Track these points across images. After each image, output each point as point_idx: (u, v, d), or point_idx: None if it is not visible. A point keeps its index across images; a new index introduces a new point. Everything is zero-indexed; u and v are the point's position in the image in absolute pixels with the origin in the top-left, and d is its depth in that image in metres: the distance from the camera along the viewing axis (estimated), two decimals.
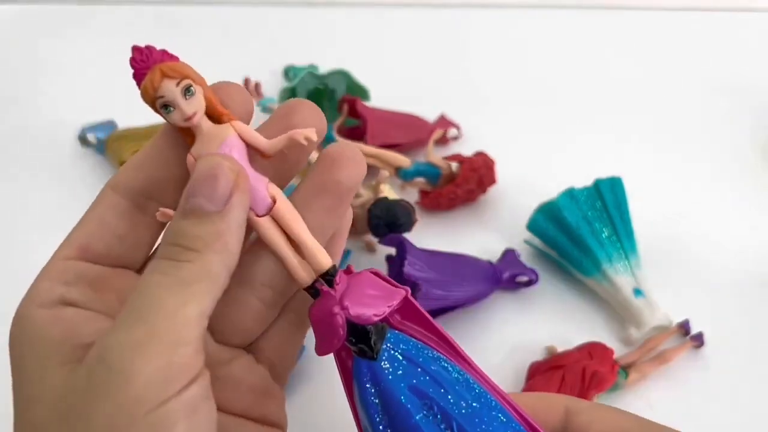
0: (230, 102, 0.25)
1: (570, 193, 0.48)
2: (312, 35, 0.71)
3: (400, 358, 0.24)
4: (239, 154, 0.24)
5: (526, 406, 0.25)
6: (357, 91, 0.60)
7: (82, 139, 0.58)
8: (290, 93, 0.58)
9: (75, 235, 0.26)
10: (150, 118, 0.56)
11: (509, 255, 0.48)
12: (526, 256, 0.49)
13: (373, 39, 0.70)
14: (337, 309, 0.24)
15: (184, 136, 0.25)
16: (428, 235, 0.50)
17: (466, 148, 0.56)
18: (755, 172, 0.57)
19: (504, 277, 0.47)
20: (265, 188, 0.25)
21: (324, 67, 0.62)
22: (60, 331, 0.23)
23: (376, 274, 0.25)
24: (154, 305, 0.21)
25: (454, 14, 0.74)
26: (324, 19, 0.73)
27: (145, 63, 0.24)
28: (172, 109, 0.24)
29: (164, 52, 0.24)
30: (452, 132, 0.59)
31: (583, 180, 0.49)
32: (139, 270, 0.27)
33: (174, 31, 0.71)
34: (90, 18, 0.73)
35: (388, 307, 0.24)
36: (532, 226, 0.49)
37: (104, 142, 0.56)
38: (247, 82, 0.60)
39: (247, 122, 0.25)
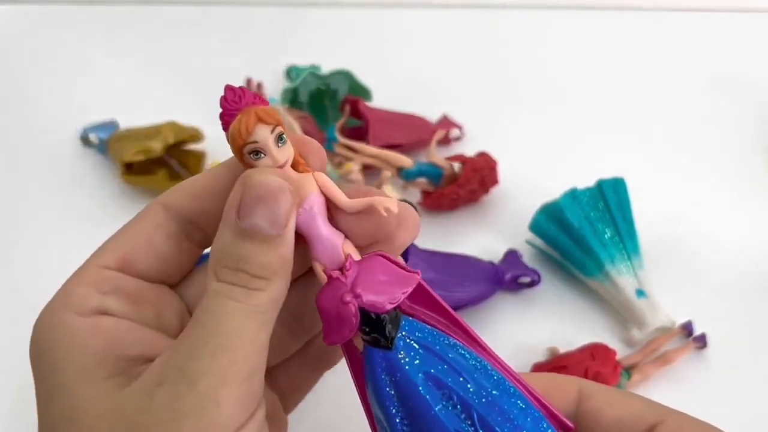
0: (308, 156, 0.25)
1: (572, 194, 0.48)
2: (314, 35, 0.71)
3: (416, 346, 0.23)
4: (319, 208, 0.24)
5: (539, 387, 0.24)
6: (359, 92, 0.60)
7: (84, 139, 0.58)
8: (292, 93, 0.58)
9: (117, 244, 0.25)
10: (151, 118, 0.56)
11: (511, 256, 0.48)
12: (528, 257, 0.49)
13: (375, 39, 0.70)
14: (349, 297, 0.23)
15: None
16: (430, 235, 0.50)
17: (468, 148, 0.56)
18: (759, 173, 0.56)
19: (506, 277, 0.47)
20: (340, 246, 0.24)
21: (326, 68, 0.62)
22: (102, 342, 0.23)
23: (386, 257, 0.24)
24: (236, 334, 0.22)
25: (456, 15, 0.74)
26: (326, 20, 0.73)
27: (237, 104, 0.23)
28: (262, 155, 0.23)
29: (256, 95, 0.23)
30: (454, 132, 0.59)
31: (585, 180, 0.49)
32: (174, 287, 0.26)
33: (175, 31, 0.71)
34: (91, 18, 0.73)
35: (403, 293, 0.23)
36: (535, 226, 0.49)
37: (106, 142, 0.56)
38: (248, 82, 0.60)
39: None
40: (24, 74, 0.67)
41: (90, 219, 0.54)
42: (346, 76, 0.60)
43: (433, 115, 0.59)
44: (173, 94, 0.63)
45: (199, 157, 0.56)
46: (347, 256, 0.24)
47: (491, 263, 0.47)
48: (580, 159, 0.57)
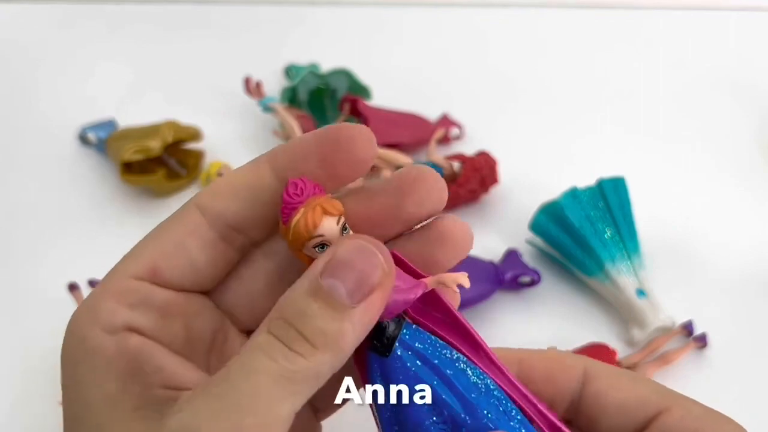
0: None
1: (573, 193, 0.48)
2: (313, 34, 0.71)
3: (414, 358, 0.22)
4: None
5: (543, 366, 0.24)
6: (358, 90, 0.59)
7: (83, 139, 0.58)
8: (291, 92, 0.58)
9: (146, 252, 0.23)
10: (150, 117, 0.56)
11: (511, 255, 0.48)
12: (528, 257, 0.49)
13: (374, 38, 0.70)
14: None
15: (307, 263, 0.23)
16: None
17: (468, 147, 0.56)
18: (759, 173, 0.56)
19: (506, 277, 0.46)
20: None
21: (325, 66, 0.62)
22: (125, 364, 0.22)
23: (398, 258, 0.23)
24: (253, 395, 0.20)
25: (456, 14, 0.74)
26: (325, 18, 0.73)
27: (299, 197, 0.22)
28: (327, 247, 0.22)
29: (317, 185, 0.22)
30: (454, 131, 0.59)
31: (586, 180, 0.49)
32: (208, 293, 0.25)
33: (174, 30, 0.71)
34: (89, 17, 0.72)
35: (405, 303, 0.22)
36: (535, 226, 0.49)
37: (105, 141, 0.56)
38: (248, 81, 0.60)
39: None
40: (22, 73, 0.67)
41: (89, 218, 0.54)
42: (345, 74, 0.60)
43: (432, 114, 0.59)
44: (172, 92, 0.63)
45: (198, 156, 0.56)
46: None
47: (491, 263, 0.47)
48: (581, 158, 0.56)
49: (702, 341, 0.44)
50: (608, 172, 0.50)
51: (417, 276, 0.23)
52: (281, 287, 0.22)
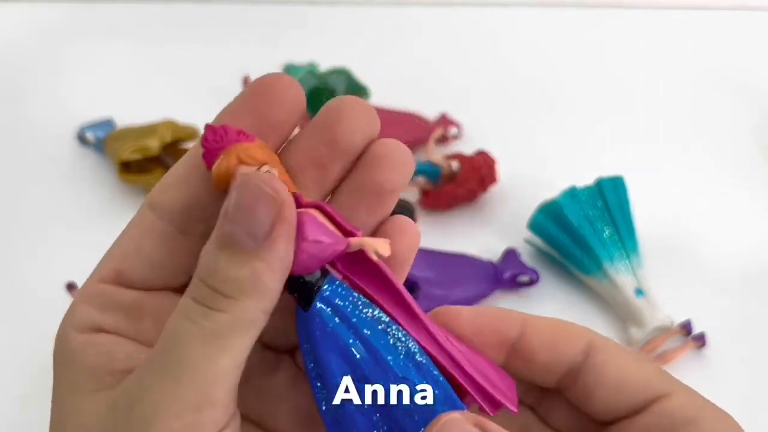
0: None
1: (571, 193, 0.48)
2: (312, 33, 0.71)
3: (333, 315, 0.22)
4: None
5: (545, 333, 0.23)
6: (357, 90, 0.59)
7: (81, 138, 0.58)
8: None
9: (110, 255, 0.23)
10: (148, 116, 0.56)
11: (510, 254, 0.48)
12: (527, 256, 0.49)
13: (373, 37, 0.70)
14: None
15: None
16: (428, 234, 0.50)
17: (466, 146, 0.56)
18: (758, 172, 0.56)
19: (505, 276, 0.46)
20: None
21: (324, 66, 0.62)
22: (93, 357, 0.22)
23: (324, 211, 0.22)
24: (183, 359, 0.20)
25: (454, 13, 0.74)
26: (324, 18, 0.73)
27: (219, 144, 0.22)
28: None
29: (240, 132, 0.22)
30: (453, 131, 0.58)
31: (584, 179, 0.49)
32: (178, 290, 0.24)
33: (171, 29, 0.71)
34: (88, 16, 0.72)
35: (322, 258, 0.22)
36: (534, 225, 0.49)
37: (103, 140, 0.56)
38: (246, 80, 0.60)
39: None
40: (20, 72, 0.67)
41: (87, 218, 0.54)
42: (344, 74, 0.60)
43: (431, 114, 0.59)
44: (170, 92, 0.63)
45: None
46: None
47: (490, 262, 0.47)
48: (579, 158, 0.56)
49: (700, 341, 0.44)
50: (607, 172, 0.50)
51: (346, 233, 0.22)
52: None
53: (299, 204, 0.22)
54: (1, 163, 0.58)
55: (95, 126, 0.58)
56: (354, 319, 0.22)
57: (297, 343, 0.24)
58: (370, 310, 0.22)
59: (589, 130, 0.60)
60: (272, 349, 0.25)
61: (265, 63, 0.66)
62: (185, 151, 0.56)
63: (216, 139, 0.22)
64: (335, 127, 0.22)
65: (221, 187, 0.22)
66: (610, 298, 0.46)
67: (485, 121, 0.60)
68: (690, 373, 0.43)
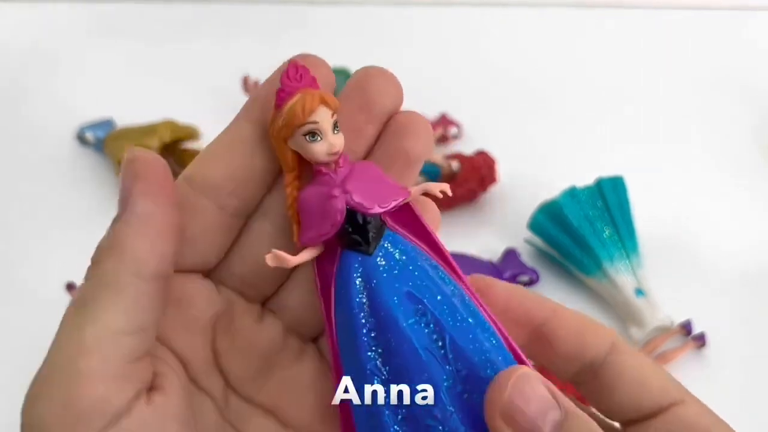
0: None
1: (571, 193, 0.48)
2: (312, 34, 0.71)
3: (398, 257, 0.22)
4: None
5: (574, 324, 0.24)
6: None
7: (81, 138, 0.58)
8: None
9: None
10: (148, 116, 0.56)
11: (510, 254, 0.48)
12: (527, 256, 0.49)
13: (373, 37, 0.70)
14: (337, 192, 0.22)
15: (288, 162, 0.22)
16: None
17: (467, 146, 0.56)
18: (758, 172, 0.56)
19: (505, 276, 0.46)
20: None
21: None
22: None
23: (377, 173, 0.23)
24: (56, 339, 0.19)
25: (454, 13, 0.74)
26: (324, 18, 0.73)
27: (299, 83, 0.22)
28: (319, 138, 0.22)
29: (314, 78, 0.22)
30: (453, 131, 0.58)
31: (584, 179, 0.49)
32: (206, 274, 0.24)
33: (172, 29, 0.71)
34: (87, 16, 0.72)
35: (394, 201, 0.22)
36: (534, 225, 0.49)
37: (103, 140, 0.56)
38: (246, 80, 0.60)
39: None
40: (20, 72, 0.67)
41: (87, 218, 0.54)
42: (344, 74, 0.60)
43: (431, 114, 0.59)
44: (170, 92, 0.63)
45: (196, 155, 0.56)
46: (340, 153, 0.22)
47: (490, 262, 0.47)
48: (579, 157, 0.56)
49: (700, 340, 0.44)
50: (607, 172, 0.50)
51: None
52: (280, 243, 0.22)
53: (347, 164, 0.22)
54: (1, 163, 0.58)
55: (95, 126, 0.58)
56: (418, 263, 0.22)
57: (322, 329, 0.24)
58: (427, 260, 0.23)
59: (589, 130, 0.60)
60: (297, 336, 0.25)
61: (265, 63, 0.66)
62: (185, 150, 0.57)
63: (297, 77, 0.22)
64: (367, 89, 0.23)
65: (291, 126, 0.22)
66: (610, 298, 0.46)
67: (485, 121, 0.60)
68: (690, 373, 0.43)
